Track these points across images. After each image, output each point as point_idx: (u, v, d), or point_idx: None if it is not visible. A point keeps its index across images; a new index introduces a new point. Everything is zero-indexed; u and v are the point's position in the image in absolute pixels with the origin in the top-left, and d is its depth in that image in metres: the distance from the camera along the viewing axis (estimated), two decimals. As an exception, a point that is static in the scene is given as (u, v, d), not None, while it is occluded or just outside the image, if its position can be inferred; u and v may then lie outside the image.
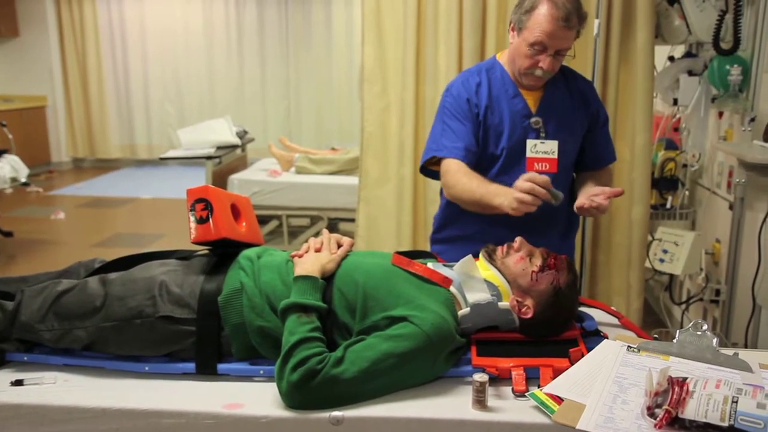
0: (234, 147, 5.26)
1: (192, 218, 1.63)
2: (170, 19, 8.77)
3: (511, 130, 1.94)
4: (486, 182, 1.86)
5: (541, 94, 1.96)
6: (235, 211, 1.73)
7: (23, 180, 5.21)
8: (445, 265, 1.64)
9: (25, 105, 8.36)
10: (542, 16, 1.79)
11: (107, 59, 8.90)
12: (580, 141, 2.02)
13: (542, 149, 1.93)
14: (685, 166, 3.29)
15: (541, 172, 1.84)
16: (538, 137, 1.94)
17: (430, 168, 2.05)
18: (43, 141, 8.72)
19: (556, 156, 1.93)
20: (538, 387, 1.35)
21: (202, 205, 1.62)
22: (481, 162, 1.95)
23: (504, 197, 1.73)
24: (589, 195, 1.79)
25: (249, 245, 1.71)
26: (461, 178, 1.89)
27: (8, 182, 5.05)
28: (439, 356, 1.42)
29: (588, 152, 2.05)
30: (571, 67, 2.08)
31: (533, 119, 1.94)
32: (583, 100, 2.01)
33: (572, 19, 1.79)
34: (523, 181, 1.68)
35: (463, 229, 2.04)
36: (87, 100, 8.95)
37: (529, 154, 1.93)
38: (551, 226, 1.99)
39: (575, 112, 1.99)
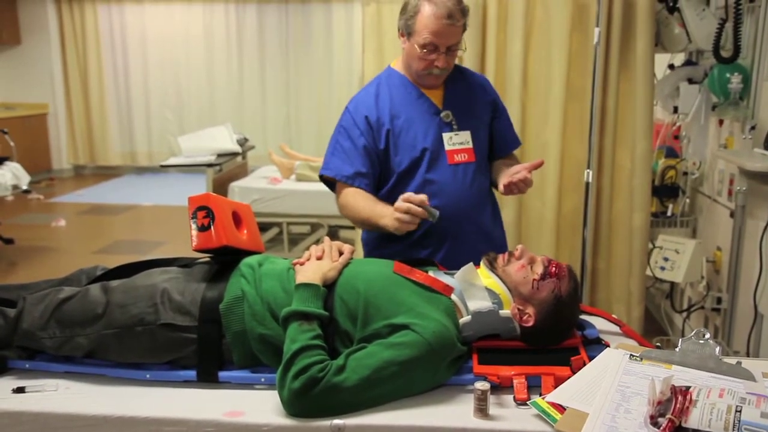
0: (234, 154, 5.26)
1: (193, 226, 1.63)
2: (171, 26, 8.80)
3: (425, 129, 1.98)
4: (372, 202, 1.90)
5: (443, 91, 2.02)
6: (237, 219, 1.73)
7: (24, 187, 5.21)
8: (446, 273, 1.64)
9: (26, 112, 8.38)
10: (426, 18, 1.85)
11: (108, 67, 8.93)
12: (489, 130, 2.09)
13: (457, 141, 2.00)
14: (685, 173, 3.29)
15: (461, 163, 1.98)
16: (451, 130, 2.00)
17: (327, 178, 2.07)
18: (44, 148, 8.74)
19: (471, 145, 2.00)
20: (540, 395, 1.35)
21: (203, 212, 1.63)
22: (405, 171, 1.97)
23: (388, 218, 1.77)
24: (509, 173, 1.87)
25: (250, 253, 1.71)
26: (350, 200, 1.95)
27: (9, 189, 5.06)
28: (440, 364, 1.41)
29: (495, 140, 2.11)
30: (463, 66, 2.17)
31: (443, 113, 1.99)
32: (483, 91, 2.10)
33: (455, 15, 1.84)
34: (400, 201, 1.72)
35: (411, 235, 1.96)
36: (88, 108, 8.97)
37: (447, 147, 1.98)
38: (485, 214, 2.06)
39: (477, 102, 2.07)
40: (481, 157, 2.04)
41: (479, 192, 2.02)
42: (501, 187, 1.90)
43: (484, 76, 2.19)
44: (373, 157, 1.97)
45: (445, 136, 1.98)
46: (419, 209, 1.70)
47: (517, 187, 1.87)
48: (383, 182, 2.01)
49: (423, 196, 1.72)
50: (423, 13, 1.86)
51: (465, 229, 1.97)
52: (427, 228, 1.94)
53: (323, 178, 2.07)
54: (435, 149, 1.97)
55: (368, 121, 1.97)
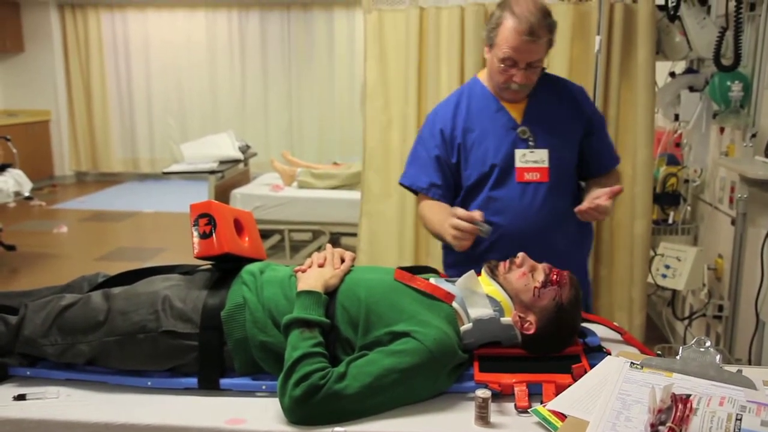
0: (236, 161, 5.27)
1: (195, 233, 1.64)
2: (173, 33, 8.84)
3: (497, 144, 1.93)
4: (443, 216, 1.85)
5: (525, 105, 1.96)
6: (238, 226, 1.73)
7: (26, 194, 5.22)
8: (447, 281, 1.64)
9: (29, 119, 8.41)
10: (507, 32, 1.80)
11: (111, 74, 8.96)
12: (578, 147, 2.00)
13: (531, 158, 1.92)
14: (686, 181, 3.29)
15: (531, 182, 1.91)
16: (526, 147, 1.93)
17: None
18: (46, 155, 8.76)
19: (546, 165, 1.92)
20: (541, 403, 1.35)
21: (205, 220, 1.63)
22: (474, 185, 1.96)
23: (448, 234, 1.75)
24: (590, 198, 1.80)
25: (252, 260, 1.71)
26: (425, 212, 1.97)
27: (12, 196, 5.07)
28: (441, 372, 1.41)
29: (588, 158, 2.02)
30: (559, 76, 2.09)
31: (520, 129, 1.93)
32: (575, 106, 2.00)
33: (536, 32, 1.78)
34: (453, 218, 1.71)
35: (472, 250, 1.97)
36: (90, 115, 9.00)
37: (518, 164, 1.92)
38: (557, 236, 1.95)
39: (566, 118, 1.98)
40: (558, 178, 1.94)
41: (551, 214, 1.92)
42: (575, 209, 1.83)
43: (582, 87, 2.08)
44: (445, 168, 1.98)
45: (518, 152, 1.92)
46: (468, 225, 1.68)
47: (590, 215, 1.79)
48: (456, 195, 2.01)
49: (476, 213, 1.70)
50: (505, 25, 1.81)
51: (530, 251, 1.86)
52: (486, 246, 1.91)
53: (403, 185, 2.09)
54: (506, 166, 1.92)
55: (443, 134, 1.97)
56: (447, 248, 2.07)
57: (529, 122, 1.94)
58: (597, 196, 1.78)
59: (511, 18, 1.80)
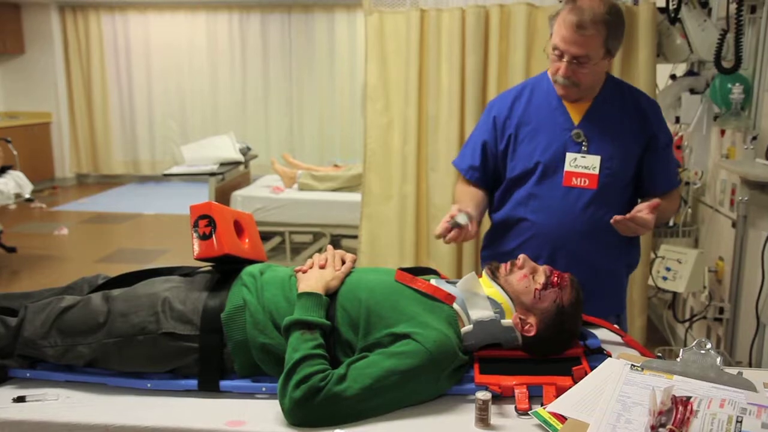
0: (237, 163, 5.28)
1: (195, 235, 1.63)
2: (174, 35, 8.85)
3: (548, 142, 1.90)
4: (464, 202, 1.91)
5: (588, 107, 1.91)
6: (238, 228, 1.73)
7: (27, 196, 5.23)
8: (448, 282, 1.64)
9: (29, 121, 8.42)
10: (561, 20, 1.79)
11: (111, 76, 8.97)
12: (635, 161, 1.92)
13: (582, 164, 1.87)
14: (687, 183, 3.29)
15: (578, 188, 1.87)
16: (579, 151, 1.88)
17: None
18: (47, 157, 8.77)
19: (597, 172, 1.86)
20: (541, 405, 1.35)
21: (205, 221, 1.63)
22: (518, 177, 1.95)
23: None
24: (633, 210, 1.77)
25: (252, 262, 1.71)
26: (456, 192, 2.07)
27: (12, 198, 5.07)
28: (441, 374, 1.41)
29: (645, 176, 1.95)
30: (637, 88, 2.03)
31: (574, 132, 1.89)
32: (641, 119, 1.92)
33: (586, 25, 1.74)
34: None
35: (505, 245, 2.01)
36: (91, 117, 9.01)
37: (567, 167, 1.88)
38: (592, 246, 1.90)
39: (628, 129, 1.91)
40: (606, 188, 1.88)
41: (591, 222, 1.87)
42: (611, 220, 1.77)
43: (656, 102, 1.99)
44: (489, 155, 1.99)
45: (569, 155, 1.88)
46: (446, 225, 1.75)
47: (626, 226, 1.75)
48: (498, 184, 2.02)
49: (453, 210, 1.77)
50: (561, 14, 1.80)
51: (561, 255, 1.87)
52: (518, 244, 1.94)
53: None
54: (552, 165, 1.89)
55: (495, 121, 1.98)
56: (484, 243, 2.11)
57: (587, 126, 1.90)
58: (639, 210, 1.75)
59: (569, 7, 1.78)
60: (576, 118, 1.91)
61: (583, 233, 1.88)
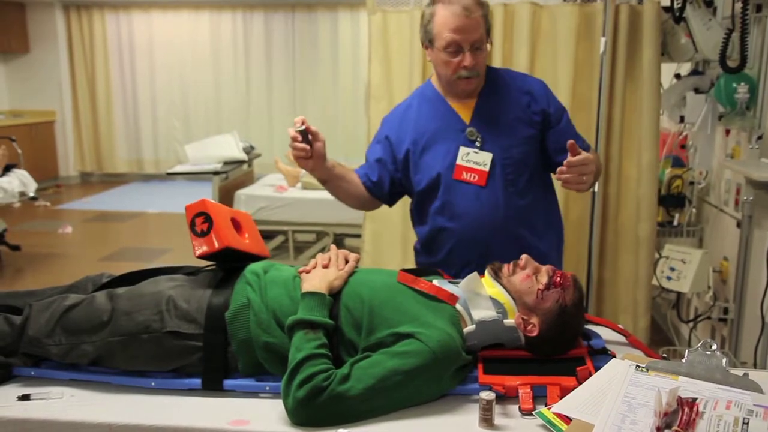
0: (241, 162, 5.27)
1: (193, 233, 1.62)
2: (178, 34, 8.86)
3: (446, 149, 1.91)
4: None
5: (474, 104, 1.93)
6: (236, 225, 1.73)
7: (31, 194, 5.24)
8: (450, 282, 1.63)
9: (34, 120, 8.44)
10: (442, 18, 1.81)
11: (115, 74, 8.99)
12: (535, 144, 1.94)
13: (474, 159, 1.89)
14: (692, 183, 3.28)
15: (468, 182, 1.89)
16: (473, 146, 1.90)
17: None
18: (51, 155, 8.79)
19: (486, 169, 1.88)
20: (546, 405, 1.35)
21: (201, 218, 1.62)
22: (426, 190, 1.95)
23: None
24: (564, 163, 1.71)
25: (255, 258, 1.71)
26: None
27: (17, 196, 5.08)
28: (445, 373, 1.41)
29: (552, 153, 1.95)
30: (516, 71, 2.07)
31: (468, 130, 1.90)
32: (527, 101, 1.93)
33: (470, 7, 1.79)
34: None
35: (435, 256, 2.00)
36: (95, 115, 9.03)
37: (459, 161, 1.89)
38: (522, 232, 1.93)
39: (518, 114, 1.92)
40: (513, 176, 1.90)
41: (508, 214, 1.89)
42: (557, 176, 1.75)
43: (540, 80, 2.02)
44: (384, 171, 2.00)
45: (463, 149, 1.89)
46: (292, 132, 1.82)
47: (571, 177, 1.70)
48: (398, 196, 2.06)
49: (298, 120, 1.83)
50: (438, 14, 1.82)
51: (490, 254, 1.82)
52: (447, 251, 1.94)
53: None
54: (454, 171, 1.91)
55: (389, 140, 1.99)
56: (417, 251, 2.09)
57: (478, 122, 1.91)
58: (568, 161, 1.70)
59: (442, 5, 1.81)
60: (467, 117, 1.92)
61: (504, 228, 1.89)
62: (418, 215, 2.05)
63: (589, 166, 1.70)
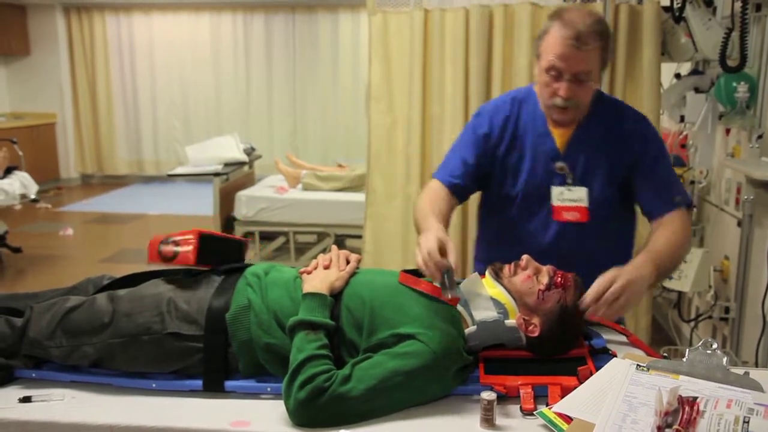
0: (241, 164, 5.28)
1: (166, 261, 1.65)
2: (178, 36, 8.87)
3: (531, 170, 1.81)
4: (435, 206, 1.71)
5: (572, 133, 1.80)
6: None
7: (32, 196, 5.24)
8: (452, 283, 1.63)
9: (35, 122, 8.45)
10: (552, 38, 1.67)
11: (116, 77, 9.00)
12: (621, 186, 1.81)
13: (569, 197, 1.78)
14: (692, 182, 3.28)
15: (570, 222, 1.77)
16: (564, 183, 1.79)
17: None
18: (52, 157, 8.80)
19: (585, 204, 1.77)
20: (547, 405, 1.35)
21: (166, 248, 1.65)
22: (499, 201, 1.87)
23: (423, 239, 1.54)
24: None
25: (236, 242, 1.74)
26: (424, 194, 1.83)
27: (18, 198, 5.09)
28: (446, 374, 1.41)
29: (640, 199, 1.81)
30: (627, 105, 1.90)
31: (558, 164, 1.78)
32: (625, 143, 1.78)
33: (584, 37, 1.64)
34: (423, 248, 1.50)
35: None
36: (96, 117, 9.04)
37: (555, 202, 1.79)
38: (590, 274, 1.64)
39: (611, 155, 1.79)
40: (599, 218, 1.78)
41: (579, 253, 1.76)
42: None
43: (641, 117, 1.83)
44: (473, 171, 1.84)
45: (555, 190, 1.78)
46: (434, 271, 1.48)
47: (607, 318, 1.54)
48: (489, 182, 1.88)
49: (445, 263, 1.47)
50: (550, 32, 1.67)
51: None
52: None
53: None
54: (534, 195, 1.81)
55: (487, 140, 1.84)
56: (480, 243, 2.00)
57: (571, 154, 1.79)
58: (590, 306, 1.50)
59: (558, 24, 1.66)
60: (561, 146, 1.80)
61: (570, 264, 1.63)
62: (486, 209, 1.95)
63: (620, 295, 1.47)
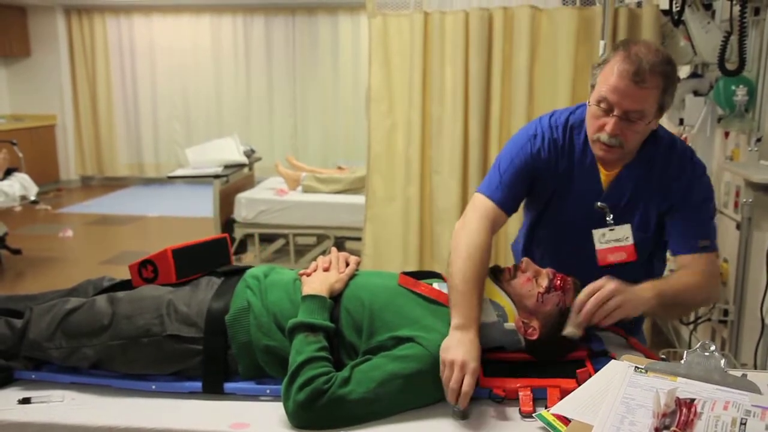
0: (241, 166, 5.28)
1: (153, 282, 1.67)
2: (179, 38, 8.87)
3: (575, 204, 1.71)
4: (475, 281, 1.50)
5: (618, 172, 1.68)
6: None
7: (32, 198, 5.24)
8: (451, 285, 1.64)
9: (35, 124, 8.45)
10: (610, 69, 1.54)
11: (116, 78, 9.01)
12: (654, 228, 1.72)
13: (613, 237, 1.68)
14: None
15: (617, 263, 1.68)
16: (605, 224, 1.69)
17: None
18: (52, 159, 8.80)
19: (631, 242, 1.67)
20: (545, 408, 1.35)
21: (145, 269, 1.68)
22: (552, 229, 1.79)
23: (456, 353, 1.38)
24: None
25: (218, 243, 1.76)
26: (472, 236, 1.59)
27: (18, 200, 5.09)
28: (445, 376, 1.41)
29: (668, 236, 1.71)
30: (670, 141, 1.71)
31: (599, 204, 1.69)
32: (665, 192, 1.67)
33: (645, 75, 1.50)
34: (448, 368, 1.36)
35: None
36: (96, 119, 9.04)
37: (598, 246, 1.69)
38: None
39: (650, 200, 1.69)
40: (644, 254, 1.70)
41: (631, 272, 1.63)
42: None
43: (687, 169, 1.67)
44: (523, 189, 1.72)
45: (597, 233, 1.68)
46: (453, 395, 1.35)
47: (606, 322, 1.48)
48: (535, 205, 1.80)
49: (466, 390, 1.34)
50: (611, 62, 1.55)
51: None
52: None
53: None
54: (571, 228, 1.73)
55: (536, 167, 1.71)
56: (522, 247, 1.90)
57: (613, 193, 1.69)
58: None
59: (621, 55, 1.53)
60: (605, 182, 1.69)
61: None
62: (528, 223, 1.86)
63: (609, 299, 1.44)
